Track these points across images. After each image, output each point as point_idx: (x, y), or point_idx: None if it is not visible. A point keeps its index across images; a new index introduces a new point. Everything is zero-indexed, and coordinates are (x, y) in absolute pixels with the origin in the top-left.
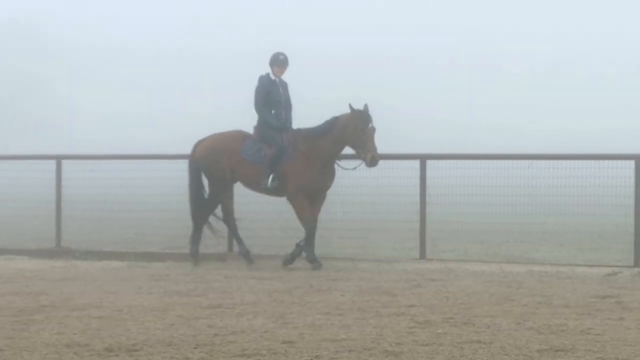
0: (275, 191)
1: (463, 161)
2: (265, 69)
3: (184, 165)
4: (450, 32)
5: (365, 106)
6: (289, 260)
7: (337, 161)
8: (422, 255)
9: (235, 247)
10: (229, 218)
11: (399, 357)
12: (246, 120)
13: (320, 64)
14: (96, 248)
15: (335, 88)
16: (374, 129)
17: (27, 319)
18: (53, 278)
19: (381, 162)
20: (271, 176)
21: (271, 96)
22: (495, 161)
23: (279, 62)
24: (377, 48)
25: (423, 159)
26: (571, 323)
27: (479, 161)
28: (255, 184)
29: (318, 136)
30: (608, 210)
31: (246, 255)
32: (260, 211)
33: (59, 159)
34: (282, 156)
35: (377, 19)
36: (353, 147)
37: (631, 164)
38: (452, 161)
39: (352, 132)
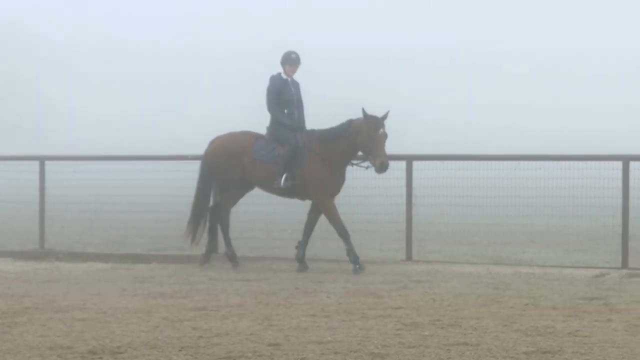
0: (287, 191)
1: (449, 162)
2: (267, 70)
3: (170, 166)
4: (450, 32)
5: (387, 113)
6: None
7: (353, 162)
8: (409, 257)
9: (221, 249)
10: (224, 217)
11: (385, 359)
12: (250, 120)
13: (321, 64)
14: (80, 250)
15: (336, 88)
16: (385, 135)
17: (10, 321)
18: (36, 280)
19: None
20: (284, 176)
21: (283, 96)
22: (482, 162)
23: (290, 60)
24: (377, 48)
25: (409, 159)
26: (558, 325)
27: (465, 162)
28: (268, 184)
29: (332, 138)
30: (596, 212)
31: (232, 257)
32: (245, 212)
33: (42, 159)
34: (297, 156)
35: (378, 19)
36: (364, 152)
37: (619, 164)
38: (438, 162)
39: (364, 137)
